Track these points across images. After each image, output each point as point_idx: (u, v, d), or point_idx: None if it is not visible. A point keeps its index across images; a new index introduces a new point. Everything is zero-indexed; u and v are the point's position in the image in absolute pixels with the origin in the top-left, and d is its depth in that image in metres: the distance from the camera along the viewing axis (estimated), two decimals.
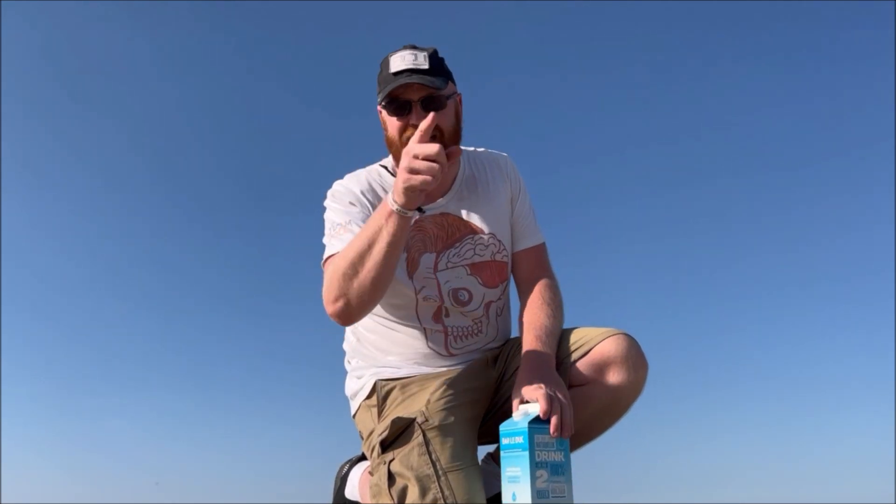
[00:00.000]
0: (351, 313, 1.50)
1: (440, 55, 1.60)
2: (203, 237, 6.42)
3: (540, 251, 1.76)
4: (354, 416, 1.75)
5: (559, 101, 6.33)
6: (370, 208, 1.61)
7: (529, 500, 1.26)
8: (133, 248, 6.45)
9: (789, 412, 5.50)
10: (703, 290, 6.10)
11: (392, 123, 1.57)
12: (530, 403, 1.36)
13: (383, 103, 1.57)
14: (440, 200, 1.68)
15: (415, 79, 1.51)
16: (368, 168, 1.73)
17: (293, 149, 6.41)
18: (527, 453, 1.29)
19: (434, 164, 1.33)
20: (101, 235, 6.41)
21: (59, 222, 6.39)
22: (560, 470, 1.32)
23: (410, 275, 1.64)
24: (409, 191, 1.36)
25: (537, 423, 1.32)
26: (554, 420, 1.31)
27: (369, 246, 1.41)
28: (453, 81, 1.62)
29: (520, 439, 1.32)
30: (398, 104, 1.54)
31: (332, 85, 6.27)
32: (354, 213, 1.60)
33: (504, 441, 1.37)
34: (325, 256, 1.57)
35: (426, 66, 1.52)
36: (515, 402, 1.38)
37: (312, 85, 6.40)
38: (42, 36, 5.98)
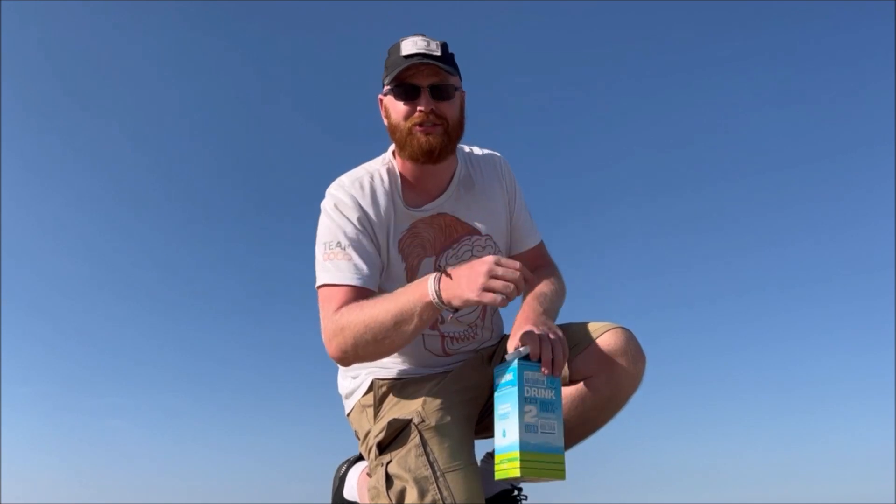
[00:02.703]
0: (353, 363, 1.52)
1: (450, 50, 1.58)
2: (204, 237, 6.43)
3: (540, 248, 1.79)
4: (349, 415, 1.74)
5: (557, 102, 6.32)
6: (371, 228, 1.55)
7: (517, 434, 1.27)
8: (134, 249, 6.47)
9: (789, 411, 5.51)
10: (703, 290, 6.10)
11: (397, 108, 1.53)
12: (523, 347, 1.35)
13: (391, 86, 1.53)
14: (436, 201, 1.64)
15: (427, 61, 1.48)
16: (369, 168, 1.63)
17: (294, 150, 6.41)
18: (516, 388, 1.30)
19: (510, 285, 1.26)
20: (101, 235, 6.42)
21: (60, 222, 6.39)
22: (550, 407, 1.32)
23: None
24: (473, 304, 1.30)
25: (528, 361, 1.33)
26: (544, 358, 1.32)
27: (395, 325, 1.37)
28: (460, 76, 1.59)
29: (510, 376, 1.33)
30: (406, 88, 1.51)
31: (334, 87, 6.27)
32: (354, 237, 1.53)
33: (496, 381, 1.38)
34: (319, 282, 1.51)
35: (438, 53, 1.51)
36: (510, 345, 1.38)
37: (314, 87, 6.40)
38: (42, 35, 5.99)
